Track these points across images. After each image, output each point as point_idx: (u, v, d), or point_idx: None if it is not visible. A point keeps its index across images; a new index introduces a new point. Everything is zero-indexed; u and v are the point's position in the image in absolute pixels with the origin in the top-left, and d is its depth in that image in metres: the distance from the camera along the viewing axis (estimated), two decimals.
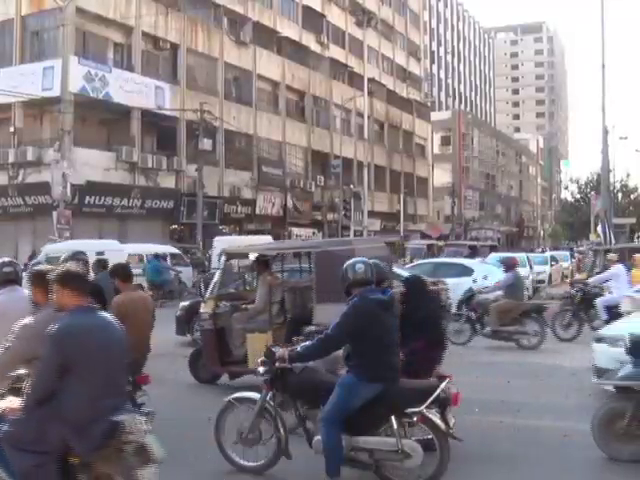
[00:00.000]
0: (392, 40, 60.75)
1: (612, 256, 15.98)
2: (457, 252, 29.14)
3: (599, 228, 28.70)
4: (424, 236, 54.13)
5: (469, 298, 13.65)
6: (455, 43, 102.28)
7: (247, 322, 9.03)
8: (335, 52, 49.99)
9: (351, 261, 5.50)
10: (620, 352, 7.72)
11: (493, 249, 29.69)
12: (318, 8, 48.14)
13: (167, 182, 33.55)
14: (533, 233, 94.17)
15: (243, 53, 39.57)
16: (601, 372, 8.04)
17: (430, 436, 5.16)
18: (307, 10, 46.78)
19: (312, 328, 7.83)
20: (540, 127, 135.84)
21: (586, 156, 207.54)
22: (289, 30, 44.54)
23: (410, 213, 57.60)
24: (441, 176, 70.60)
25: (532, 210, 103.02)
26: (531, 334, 12.49)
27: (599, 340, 8.59)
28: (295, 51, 44.73)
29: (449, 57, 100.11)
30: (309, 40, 46.69)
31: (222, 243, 20.72)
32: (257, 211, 39.46)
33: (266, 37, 41.92)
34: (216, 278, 9.82)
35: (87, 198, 28.88)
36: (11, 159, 29.42)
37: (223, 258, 9.65)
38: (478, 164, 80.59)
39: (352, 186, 45.15)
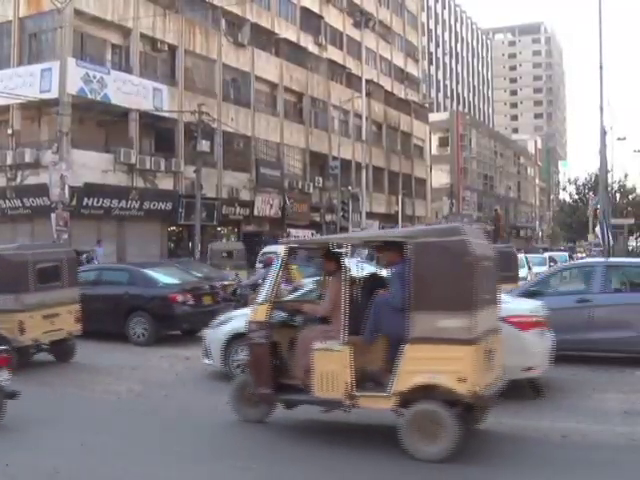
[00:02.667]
0: (390, 41, 60.76)
1: (268, 256, 19.30)
2: None
3: (597, 229, 28.69)
4: None
5: (234, 291, 15.69)
6: (453, 44, 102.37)
7: None
8: (333, 53, 50.00)
9: None
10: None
11: None
12: (316, 9, 48.14)
13: (165, 184, 33.49)
14: (532, 234, 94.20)
15: (241, 54, 39.56)
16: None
17: None
18: (305, 11, 46.79)
19: None
20: (538, 128, 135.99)
21: (584, 157, 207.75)
22: (287, 31, 44.53)
23: (408, 214, 57.59)
24: (439, 177, 70.66)
25: (530, 211, 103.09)
26: None
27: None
28: (293, 52, 44.73)
29: (447, 58, 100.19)
30: (307, 41, 46.71)
31: None
32: (255, 212, 39.43)
33: (264, 38, 41.92)
34: None
35: (85, 200, 28.81)
36: (9, 161, 29.34)
37: None
38: (476, 165, 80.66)
39: (350, 187, 45.14)
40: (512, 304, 8.45)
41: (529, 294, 11.13)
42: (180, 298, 13.73)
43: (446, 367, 5.99)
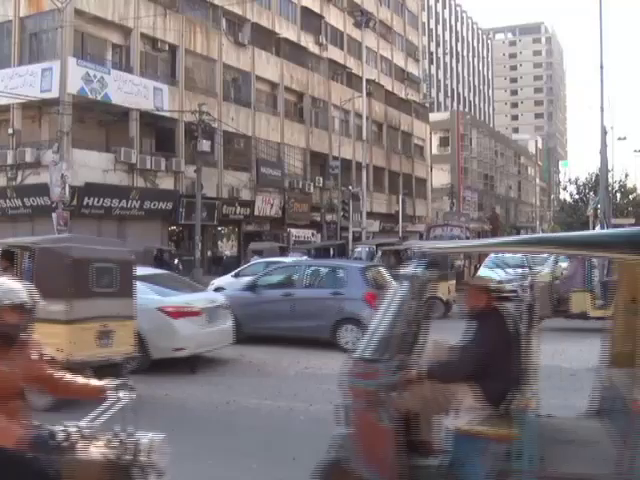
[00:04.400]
0: (390, 41, 60.79)
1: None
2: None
3: (597, 228, 28.66)
4: (423, 237, 54.07)
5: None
6: (454, 44, 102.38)
7: None
8: (333, 53, 50.02)
9: None
10: None
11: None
12: (317, 9, 48.17)
13: (166, 183, 33.53)
14: (532, 234, 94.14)
15: (242, 54, 39.58)
16: None
17: None
18: (305, 11, 46.80)
19: None
20: (539, 128, 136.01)
21: (584, 157, 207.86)
22: (288, 31, 44.56)
23: (409, 214, 57.59)
24: (440, 177, 70.62)
25: (531, 211, 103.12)
26: None
27: None
28: (294, 52, 44.75)
29: (447, 58, 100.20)
30: (307, 41, 46.72)
31: None
32: (256, 212, 39.44)
33: (265, 38, 41.93)
34: None
35: (86, 199, 28.84)
36: (10, 161, 29.38)
37: None
38: (477, 165, 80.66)
39: (351, 187, 45.15)
40: (169, 297, 10.36)
41: (248, 287, 13.88)
42: None
43: (51, 340, 7.62)
